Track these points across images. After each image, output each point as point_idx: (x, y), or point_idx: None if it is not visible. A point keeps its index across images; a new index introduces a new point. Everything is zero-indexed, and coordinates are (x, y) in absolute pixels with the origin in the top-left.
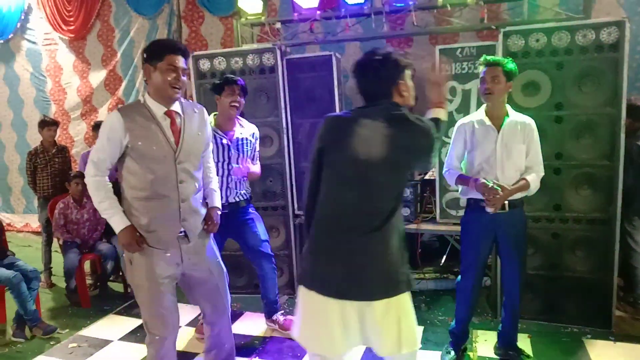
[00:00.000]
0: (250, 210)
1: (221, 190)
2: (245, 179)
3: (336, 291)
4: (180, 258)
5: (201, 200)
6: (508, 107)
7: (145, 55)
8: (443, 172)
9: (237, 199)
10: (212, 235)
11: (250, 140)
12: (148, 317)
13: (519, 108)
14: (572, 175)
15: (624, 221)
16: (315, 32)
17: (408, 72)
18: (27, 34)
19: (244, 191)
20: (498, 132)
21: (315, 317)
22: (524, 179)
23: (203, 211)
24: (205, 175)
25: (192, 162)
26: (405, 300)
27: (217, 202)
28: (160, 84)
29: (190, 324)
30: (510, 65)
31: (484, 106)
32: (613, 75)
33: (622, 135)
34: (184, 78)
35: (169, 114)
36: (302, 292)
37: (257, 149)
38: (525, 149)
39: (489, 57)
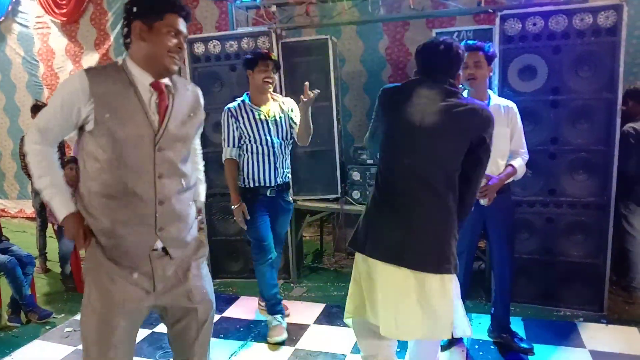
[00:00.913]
0: (290, 198)
1: (264, 172)
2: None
3: (390, 255)
4: (152, 284)
5: (190, 204)
6: (490, 92)
7: (135, 9)
8: None
9: (285, 179)
10: (206, 253)
11: (288, 114)
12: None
13: (515, 92)
14: (568, 160)
15: (620, 205)
16: (311, 15)
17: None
18: (19, 18)
19: (288, 170)
20: None
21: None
22: (511, 165)
23: (192, 219)
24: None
25: (177, 151)
26: (453, 284)
27: (202, 195)
28: (156, 49)
29: None
30: (491, 49)
31: (465, 92)
32: (610, 60)
33: (618, 120)
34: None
35: (156, 86)
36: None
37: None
38: (510, 133)
39: (470, 42)
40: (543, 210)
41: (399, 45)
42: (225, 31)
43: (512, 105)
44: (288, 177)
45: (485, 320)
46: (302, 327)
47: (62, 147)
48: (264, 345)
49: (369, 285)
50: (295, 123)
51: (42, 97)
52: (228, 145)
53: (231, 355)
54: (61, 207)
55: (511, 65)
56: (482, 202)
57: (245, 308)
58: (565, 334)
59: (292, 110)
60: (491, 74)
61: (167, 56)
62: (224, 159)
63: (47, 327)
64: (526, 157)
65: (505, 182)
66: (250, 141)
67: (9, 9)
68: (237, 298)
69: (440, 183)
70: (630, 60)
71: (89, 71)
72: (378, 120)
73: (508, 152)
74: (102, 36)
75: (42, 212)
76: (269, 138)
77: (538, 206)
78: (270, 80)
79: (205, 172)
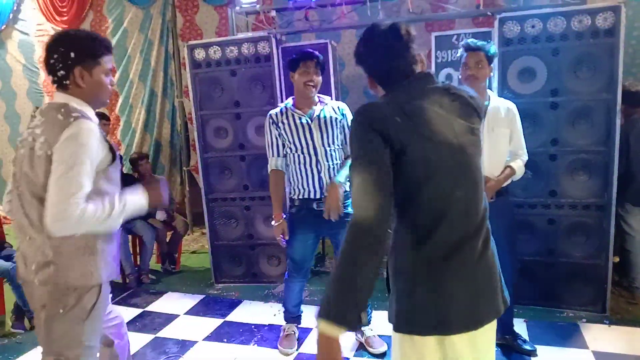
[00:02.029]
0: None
1: (308, 182)
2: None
3: (473, 320)
4: None
5: None
6: (489, 92)
7: (73, 55)
8: None
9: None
10: None
11: (337, 118)
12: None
13: (514, 94)
14: (568, 161)
15: (617, 206)
16: (311, 20)
17: None
18: (19, 25)
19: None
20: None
21: None
22: (509, 166)
23: None
24: None
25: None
26: None
27: None
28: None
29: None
30: (492, 49)
31: None
32: (609, 61)
33: (618, 121)
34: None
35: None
36: (412, 342)
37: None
38: (510, 133)
39: (470, 42)
40: (544, 212)
41: None
42: (226, 37)
43: (511, 106)
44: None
45: None
46: (305, 331)
47: None
48: (267, 350)
49: None
50: (348, 128)
51: (43, 104)
52: (272, 155)
53: (234, 359)
54: (135, 200)
55: (510, 67)
56: None
57: (248, 312)
58: (568, 335)
59: (343, 115)
60: (491, 74)
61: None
62: (269, 170)
63: None
64: (525, 157)
65: (504, 184)
66: (292, 149)
67: (10, 17)
68: (239, 302)
69: (484, 197)
70: (629, 61)
71: (90, 120)
72: (381, 162)
73: (507, 153)
74: None
75: None
76: (311, 144)
77: (539, 207)
78: (312, 83)
79: (206, 176)
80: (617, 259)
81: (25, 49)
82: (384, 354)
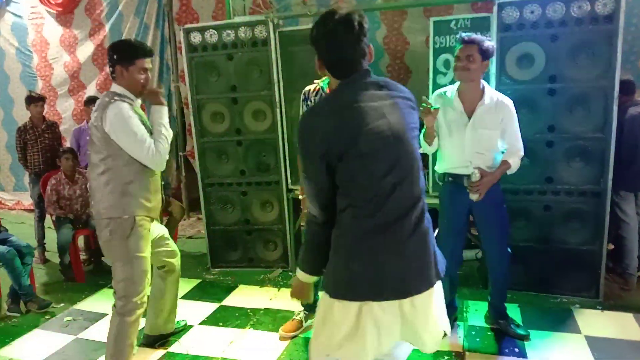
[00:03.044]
0: None
1: None
2: None
3: (397, 290)
4: None
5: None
6: (485, 85)
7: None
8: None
9: None
10: None
11: None
12: (140, 284)
13: (512, 81)
14: (565, 148)
15: (612, 193)
16: (309, 4)
17: None
18: (12, 8)
19: None
20: (469, 118)
21: (355, 328)
22: (505, 161)
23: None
24: None
25: None
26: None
27: None
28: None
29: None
30: (487, 43)
31: (457, 85)
32: (607, 48)
33: (615, 108)
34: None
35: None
36: (340, 305)
37: None
38: (500, 132)
39: (464, 35)
40: (540, 198)
41: (397, 35)
42: (222, 20)
43: (507, 101)
44: None
45: (482, 307)
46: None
47: (58, 138)
48: (263, 333)
49: (402, 327)
50: None
51: (36, 88)
52: None
53: (230, 343)
54: (162, 115)
55: (509, 53)
56: (473, 197)
57: (244, 297)
58: (561, 320)
59: None
60: (484, 70)
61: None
62: None
63: (47, 317)
64: (521, 153)
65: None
66: None
67: (3, 0)
68: (235, 287)
69: (421, 183)
70: (627, 48)
71: (124, 102)
72: (321, 180)
73: (495, 149)
74: (97, 26)
75: (40, 203)
76: None
77: (535, 194)
78: None
79: (202, 162)
80: (611, 246)
81: (19, 32)
82: None
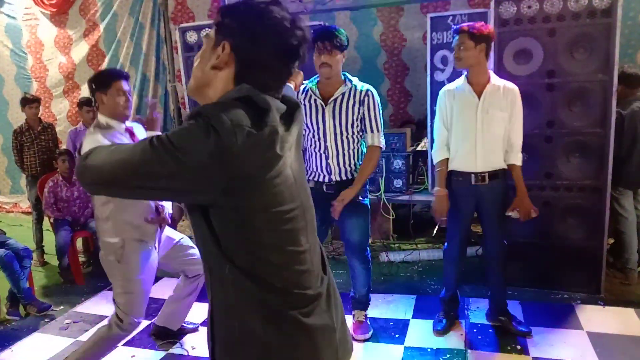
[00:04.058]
0: (361, 198)
1: (317, 166)
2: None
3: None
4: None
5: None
6: (491, 73)
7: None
8: (432, 150)
9: (348, 177)
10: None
11: (356, 105)
12: (140, 305)
13: (510, 76)
14: (564, 143)
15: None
16: (305, 1)
17: None
18: (6, 9)
19: (353, 167)
20: (479, 98)
21: None
22: (514, 165)
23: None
24: None
25: None
26: None
27: None
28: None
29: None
30: (476, 27)
31: (465, 73)
32: (605, 42)
33: (614, 102)
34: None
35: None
36: None
37: (376, 116)
38: (508, 117)
39: (456, 26)
40: (540, 194)
41: (394, 32)
42: None
43: (513, 87)
44: (353, 174)
45: (483, 304)
46: None
47: (55, 140)
48: None
49: None
50: (369, 116)
51: (31, 89)
52: None
53: None
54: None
55: (506, 48)
56: (514, 215)
57: None
58: (563, 317)
59: (362, 102)
60: (482, 53)
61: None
62: None
63: (46, 320)
64: (520, 148)
65: (499, 168)
66: (306, 131)
67: None
68: None
69: None
70: (625, 42)
71: (101, 130)
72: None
73: (503, 138)
74: (92, 27)
75: (38, 206)
76: (322, 128)
77: (535, 190)
78: (327, 64)
79: None
80: (611, 241)
81: (13, 34)
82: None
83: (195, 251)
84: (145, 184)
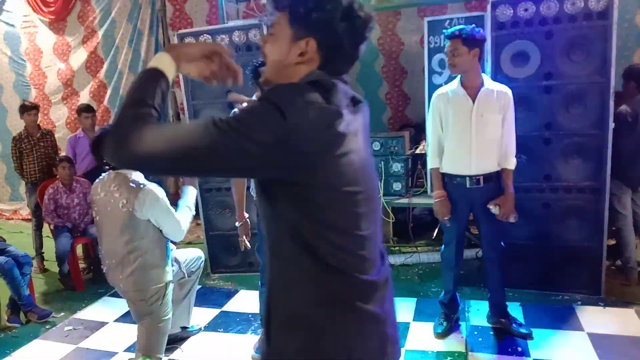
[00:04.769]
0: None
1: None
2: None
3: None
4: None
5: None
6: (484, 76)
7: None
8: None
9: None
10: None
11: None
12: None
13: (508, 79)
14: (562, 145)
15: (611, 185)
16: None
17: None
18: (4, 17)
19: None
20: (473, 102)
21: None
22: (507, 169)
23: None
24: None
25: None
26: None
27: None
28: None
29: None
30: (468, 32)
31: (459, 77)
32: (602, 44)
33: (611, 103)
34: None
35: None
36: None
37: None
38: (501, 119)
39: (447, 31)
40: (539, 196)
41: (391, 35)
42: (216, 25)
43: (506, 90)
44: None
45: (484, 307)
46: None
47: (54, 147)
48: None
49: None
50: None
51: (30, 97)
52: None
53: (231, 348)
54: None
55: (504, 51)
56: (511, 220)
57: (244, 302)
58: (564, 318)
59: None
60: (475, 58)
61: None
62: None
63: (47, 327)
64: (514, 150)
65: (493, 171)
66: None
67: None
68: (236, 292)
69: None
70: (621, 44)
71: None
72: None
73: (497, 141)
74: (90, 33)
75: (38, 212)
76: None
77: (534, 192)
78: None
79: None
80: (612, 242)
81: (11, 41)
82: None
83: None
84: (214, 167)
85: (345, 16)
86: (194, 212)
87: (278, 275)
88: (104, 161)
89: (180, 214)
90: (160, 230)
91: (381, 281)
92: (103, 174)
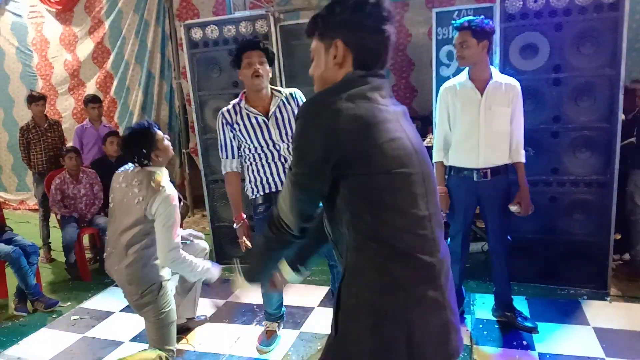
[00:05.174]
0: None
1: (273, 177)
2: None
3: (455, 349)
4: None
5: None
6: (492, 69)
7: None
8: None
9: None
10: None
11: (292, 108)
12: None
13: (517, 71)
14: (570, 138)
15: (631, 174)
16: None
17: None
18: (11, 7)
19: None
20: (481, 95)
21: None
22: (520, 162)
23: None
24: None
25: None
26: None
27: None
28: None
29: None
30: (477, 24)
31: (467, 69)
32: (612, 36)
33: (621, 97)
34: None
35: None
36: None
37: None
38: (510, 113)
39: (456, 22)
40: (546, 190)
41: (399, 27)
42: (223, 16)
43: (514, 83)
44: None
45: (489, 300)
46: (307, 310)
47: (61, 137)
48: None
49: None
50: None
51: (37, 87)
52: (227, 157)
53: (237, 339)
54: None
55: (512, 43)
56: (516, 209)
57: (250, 293)
58: (569, 312)
59: (298, 101)
60: (485, 50)
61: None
62: (223, 172)
63: (54, 316)
64: (522, 145)
65: (501, 164)
66: (251, 149)
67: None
68: None
69: None
70: (632, 36)
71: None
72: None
73: (507, 134)
74: (97, 24)
75: (45, 202)
76: (271, 142)
77: (541, 185)
78: (259, 73)
79: (205, 158)
80: (618, 236)
81: (18, 31)
82: None
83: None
84: (312, 198)
85: (357, 6)
86: (194, 274)
87: (347, 270)
88: (134, 158)
89: (188, 256)
90: None
91: (442, 265)
92: (128, 165)
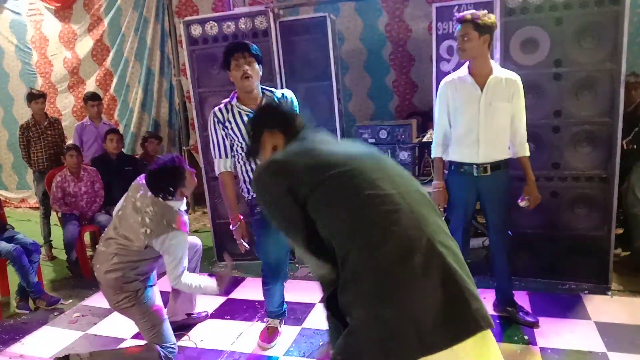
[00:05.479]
0: None
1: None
2: None
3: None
4: None
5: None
6: (493, 63)
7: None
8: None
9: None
10: None
11: None
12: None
13: (517, 66)
14: (571, 133)
15: (632, 175)
16: None
17: None
18: (10, 5)
19: None
20: (482, 90)
21: None
22: (524, 157)
23: None
24: None
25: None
26: None
27: None
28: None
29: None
30: (482, 18)
31: (467, 63)
32: (613, 30)
33: (622, 91)
34: None
35: None
36: None
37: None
38: (511, 108)
39: (459, 15)
40: (547, 185)
41: (399, 22)
42: (222, 12)
43: (515, 77)
44: None
45: (490, 295)
46: (308, 307)
47: (61, 135)
48: None
49: None
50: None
51: (36, 85)
52: (219, 156)
53: (238, 335)
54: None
55: (513, 38)
56: (525, 204)
57: (251, 289)
58: (571, 307)
59: (285, 99)
60: (485, 44)
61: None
62: (217, 172)
63: (56, 314)
64: (525, 139)
65: (501, 159)
66: (243, 148)
67: None
68: (242, 280)
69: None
70: (633, 30)
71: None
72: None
73: (507, 130)
74: (96, 21)
75: (45, 200)
76: None
77: (542, 180)
78: (249, 74)
79: (206, 155)
80: (620, 231)
81: (17, 29)
82: None
83: None
84: (295, 227)
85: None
86: (198, 293)
87: (342, 281)
88: (160, 194)
89: (192, 279)
90: (159, 258)
91: (434, 237)
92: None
